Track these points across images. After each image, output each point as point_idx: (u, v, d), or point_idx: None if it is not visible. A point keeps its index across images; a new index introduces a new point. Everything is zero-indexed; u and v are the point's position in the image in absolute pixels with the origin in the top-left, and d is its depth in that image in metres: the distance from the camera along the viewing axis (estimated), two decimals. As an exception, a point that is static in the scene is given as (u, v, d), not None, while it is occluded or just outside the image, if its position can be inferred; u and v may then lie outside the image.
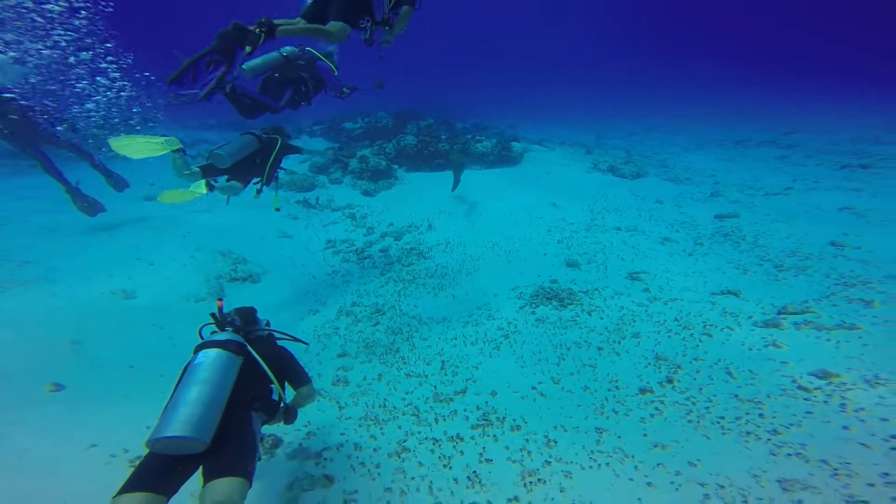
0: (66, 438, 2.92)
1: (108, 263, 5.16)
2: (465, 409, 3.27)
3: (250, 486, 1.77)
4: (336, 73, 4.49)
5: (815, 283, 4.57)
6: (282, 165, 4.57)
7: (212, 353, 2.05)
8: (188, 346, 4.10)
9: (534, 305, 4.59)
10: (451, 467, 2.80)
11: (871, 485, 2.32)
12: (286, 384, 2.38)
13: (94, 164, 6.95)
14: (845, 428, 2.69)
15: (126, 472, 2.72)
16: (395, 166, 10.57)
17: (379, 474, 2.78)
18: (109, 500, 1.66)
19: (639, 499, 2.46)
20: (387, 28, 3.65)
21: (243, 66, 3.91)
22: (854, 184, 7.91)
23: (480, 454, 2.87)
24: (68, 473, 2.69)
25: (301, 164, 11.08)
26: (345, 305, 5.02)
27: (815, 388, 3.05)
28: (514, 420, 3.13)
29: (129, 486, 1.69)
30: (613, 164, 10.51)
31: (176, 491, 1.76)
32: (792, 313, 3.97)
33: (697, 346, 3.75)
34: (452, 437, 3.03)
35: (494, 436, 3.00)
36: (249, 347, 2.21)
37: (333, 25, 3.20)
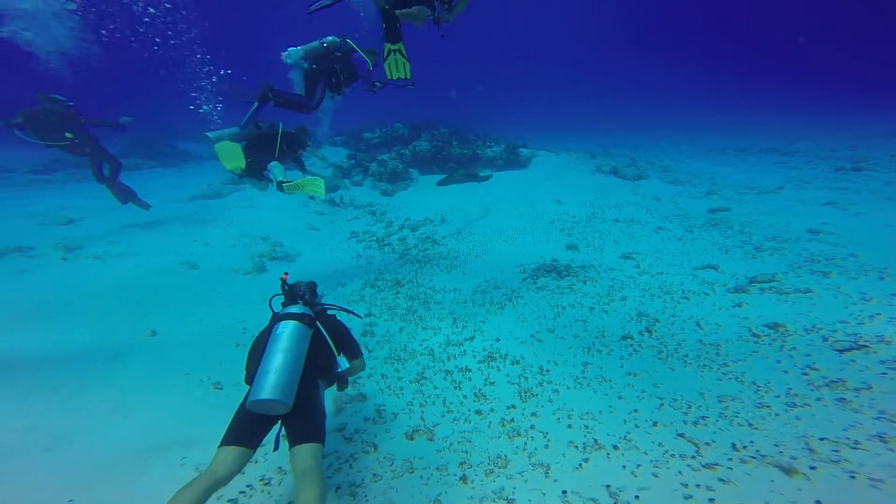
0: (165, 370, 3.69)
1: (172, 244, 6.11)
2: (472, 351, 3.91)
3: (324, 447, 2.12)
4: (370, 68, 4.58)
5: (786, 260, 5.11)
6: (305, 164, 4.89)
7: (290, 325, 2.26)
8: (240, 305, 4.91)
9: (535, 277, 5.23)
10: (461, 388, 3.43)
11: (778, 396, 2.92)
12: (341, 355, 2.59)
13: (113, 178, 7.07)
14: (778, 362, 3.27)
15: (212, 393, 3.49)
16: (411, 170, 11.43)
17: (402, 394, 3.43)
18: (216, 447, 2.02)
19: (610, 406, 3.05)
20: (446, 7, 3.75)
21: (283, 54, 4.23)
22: (842, 184, 8.38)
23: (485, 380, 3.50)
24: (174, 397, 3.44)
25: (325, 169, 12.05)
26: (369, 280, 5.74)
27: (764, 335, 3.62)
28: (514, 357, 3.75)
29: (227, 440, 2.02)
30: (616, 167, 11.15)
31: (258, 445, 2.08)
32: (760, 282, 4.52)
33: (675, 306, 4.33)
34: (462, 368, 3.66)
35: (497, 367, 3.63)
36: (317, 321, 2.46)
37: (419, 10, 3.50)
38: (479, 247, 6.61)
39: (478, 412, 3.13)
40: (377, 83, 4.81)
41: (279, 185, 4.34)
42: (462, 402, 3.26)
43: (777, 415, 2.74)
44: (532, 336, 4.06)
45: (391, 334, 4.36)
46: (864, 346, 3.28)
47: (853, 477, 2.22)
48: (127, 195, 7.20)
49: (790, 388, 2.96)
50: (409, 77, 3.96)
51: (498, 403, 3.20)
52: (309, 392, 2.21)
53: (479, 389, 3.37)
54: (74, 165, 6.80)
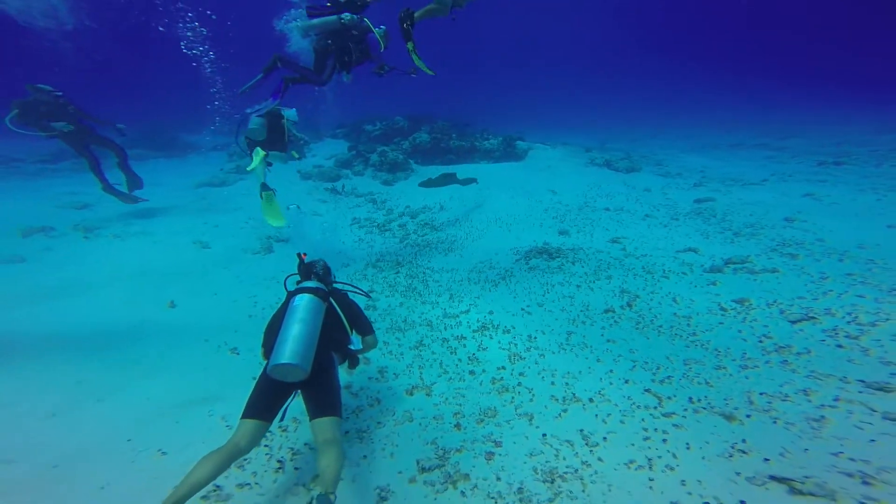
0: (186, 337, 4.03)
1: (185, 225, 6.46)
2: (467, 322, 4.26)
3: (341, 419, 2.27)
4: (382, 49, 4.47)
5: (761, 244, 5.48)
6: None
7: (306, 297, 2.39)
8: (250, 281, 5.23)
9: (528, 259, 5.57)
10: (456, 353, 3.78)
11: (734, 360, 3.30)
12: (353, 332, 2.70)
13: (124, 164, 7.25)
14: (739, 331, 3.65)
15: (230, 357, 3.80)
16: (411, 161, 11.70)
17: (403, 358, 3.78)
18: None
19: (589, 367, 3.42)
20: None
21: (297, 24, 4.20)
22: (822, 177, 8.74)
23: (478, 346, 3.85)
24: (196, 360, 3.78)
25: (327, 159, 12.30)
26: (370, 261, 6.07)
27: (731, 309, 3.99)
28: (505, 327, 4.10)
29: (246, 413, 2.17)
30: (609, 160, 11.46)
31: (274, 417, 2.22)
32: (734, 263, 4.88)
33: (655, 284, 4.68)
34: (457, 336, 4.02)
35: (490, 335, 3.99)
36: (331, 298, 2.58)
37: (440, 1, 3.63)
38: (476, 232, 6.94)
39: (471, 372, 3.49)
40: (385, 66, 4.72)
41: (262, 185, 4.78)
42: (457, 365, 3.61)
43: (731, 375, 3.12)
44: (522, 309, 4.41)
45: (392, 308, 4.70)
46: (813, 317, 3.66)
47: (775, 422, 2.63)
48: (135, 185, 7.31)
49: (745, 353, 3.34)
50: (432, 73, 4.13)
51: (489, 365, 3.56)
52: (325, 363, 2.32)
53: (473, 354, 3.73)
54: (76, 156, 6.73)
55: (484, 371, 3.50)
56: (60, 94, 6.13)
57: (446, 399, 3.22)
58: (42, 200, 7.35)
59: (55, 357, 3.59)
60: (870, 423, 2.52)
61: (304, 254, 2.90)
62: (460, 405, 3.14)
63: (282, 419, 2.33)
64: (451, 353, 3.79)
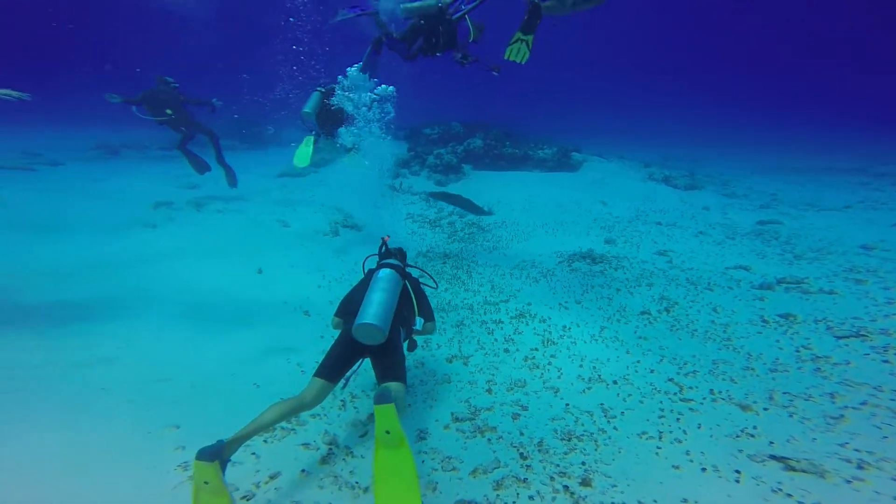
0: (271, 298, 4.88)
1: (270, 208, 7.60)
2: (506, 309, 4.65)
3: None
4: (471, 40, 4.45)
5: (823, 268, 5.24)
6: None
7: (389, 271, 2.65)
8: (320, 256, 6.02)
9: (570, 262, 5.83)
10: (493, 334, 4.19)
11: (764, 364, 3.33)
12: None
13: (219, 159, 7.76)
14: (777, 341, 3.66)
15: (303, 317, 4.47)
16: (464, 165, 12.31)
17: (445, 332, 4.26)
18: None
19: (617, 357, 3.66)
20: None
21: (403, 6, 4.30)
22: (920, 205, 7.91)
23: (514, 329, 4.23)
24: (278, 317, 4.58)
25: (388, 159, 13.32)
26: (421, 251, 6.68)
27: (774, 322, 3.98)
28: (541, 317, 4.44)
29: (318, 373, 2.37)
30: (669, 176, 11.19)
31: (339, 381, 2.43)
32: (787, 282, 4.77)
33: (698, 294, 4.74)
34: (496, 320, 4.42)
35: (526, 322, 4.35)
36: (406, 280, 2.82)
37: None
38: (521, 234, 7.29)
39: (506, 350, 3.88)
40: (469, 57, 4.67)
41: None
42: (493, 343, 4.02)
43: (758, 375, 3.21)
44: (560, 304, 4.71)
45: (437, 293, 5.23)
46: (864, 335, 3.57)
47: (791, 416, 2.72)
48: (204, 168, 7.77)
49: (777, 359, 3.38)
50: (524, 62, 3.99)
51: (523, 346, 3.93)
52: (394, 335, 2.51)
53: (509, 336, 4.12)
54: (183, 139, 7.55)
55: (518, 350, 3.87)
56: (177, 85, 6.78)
57: (481, 369, 3.64)
58: (164, 181, 9.04)
59: (177, 306, 4.54)
60: (890, 425, 2.54)
61: (388, 237, 3.21)
62: (493, 375, 3.54)
63: (344, 386, 2.59)
64: (489, 333, 4.21)
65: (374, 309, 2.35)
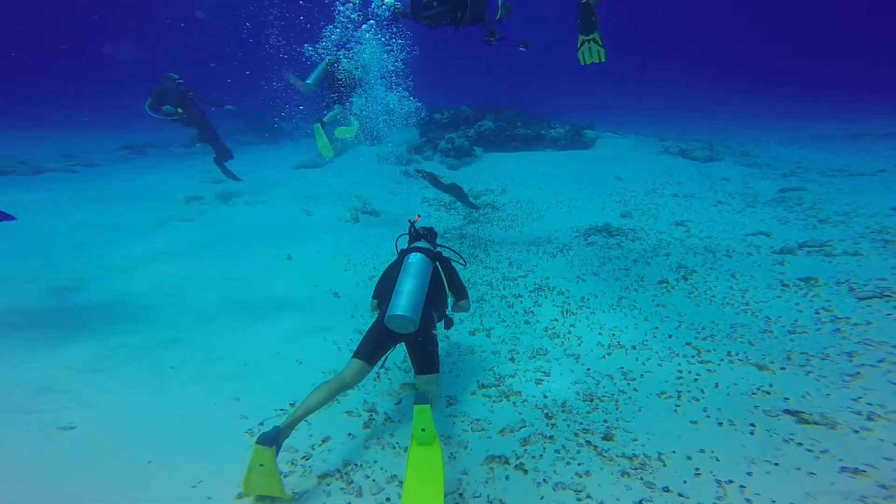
0: (301, 282, 5.14)
1: (294, 198, 7.92)
2: (525, 284, 4.79)
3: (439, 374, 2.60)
4: (498, 18, 4.37)
5: (849, 231, 5.16)
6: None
7: (419, 256, 2.63)
8: (343, 242, 6.26)
9: (587, 236, 5.89)
10: (513, 307, 4.35)
11: (783, 326, 3.41)
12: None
13: (218, 160, 7.62)
14: (797, 304, 3.70)
15: (333, 299, 4.68)
16: (476, 148, 12.28)
17: (467, 308, 4.45)
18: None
19: (636, 324, 3.77)
20: None
21: None
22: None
23: (534, 303, 4.38)
24: (310, 299, 4.84)
25: (400, 145, 13.39)
26: (438, 233, 6.83)
27: (794, 285, 4.00)
28: (560, 290, 4.57)
29: (357, 354, 2.48)
30: (686, 149, 10.92)
31: (376, 363, 2.54)
32: (810, 246, 4.73)
33: (715, 261, 4.77)
34: (515, 295, 4.58)
35: (545, 295, 4.48)
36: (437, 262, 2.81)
37: None
38: (536, 212, 7.35)
39: (526, 322, 4.04)
40: (495, 34, 4.57)
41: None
42: (514, 316, 4.19)
43: (776, 337, 3.28)
44: (578, 277, 4.82)
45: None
46: (888, 295, 3.56)
47: (807, 374, 2.80)
48: (226, 157, 7.77)
49: (796, 321, 3.44)
50: (603, 60, 3.93)
51: (543, 317, 4.08)
52: (428, 322, 2.57)
53: (529, 308, 4.27)
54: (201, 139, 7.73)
55: (538, 321, 4.03)
56: (182, 80, 6.69)
57: (503, 340, 3.82)
58: (190, 176, 9.44)
59: (217, 292, 4.85)
60: (909, 381, 2.61)
61: (418, 216, 3.25)
62: (515, 345, 3.72)
63: (382, 366, 2.72)
64: (509, 307, 4.37)
65: (405, 300, 2.39)
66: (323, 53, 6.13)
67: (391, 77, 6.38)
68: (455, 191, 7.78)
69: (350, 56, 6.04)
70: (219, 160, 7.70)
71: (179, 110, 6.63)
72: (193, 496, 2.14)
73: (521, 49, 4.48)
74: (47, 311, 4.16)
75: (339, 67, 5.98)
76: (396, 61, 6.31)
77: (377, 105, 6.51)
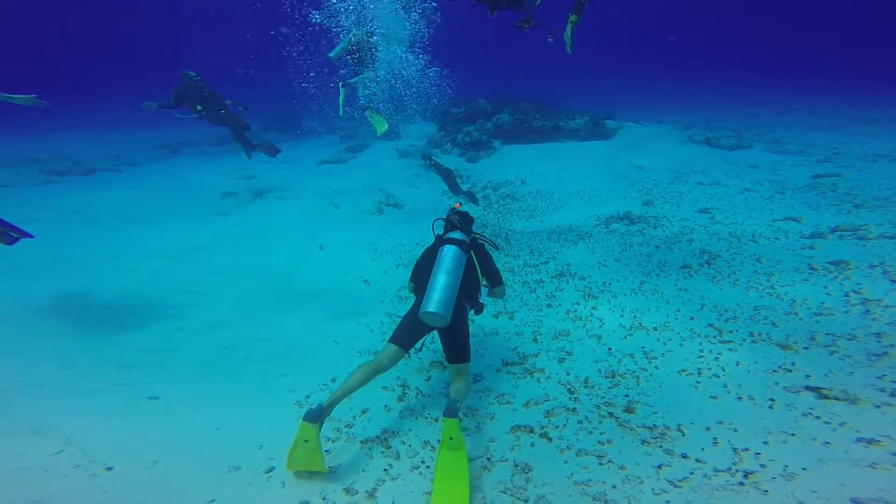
0: (334, 270, 5.42)
1: (322, 193, 8.33)
2: (546, 271, 4.91)
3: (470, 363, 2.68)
4: (538, 4, 4.36)
5: (888, 214, 5.01)
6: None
7: (452, 249, 2.65)
8: (369, 232, 6.52)
9: (608, 224, 5.93)
10: (535, 292, 4.48)
11: (809, 308, 3.36)
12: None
13: (240, 137, 7.22)
14: (825, 287, 3.67)
15: (363, 286, 4.90)
16: (494, 140, 12.31)
17: (490, 293, 4.61)
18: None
19: (658, 307, 3.84)
20: None
21: None
22: None
23: (556, 287, 4.49)
24: (342, 286, 5.12)
25: (419, 139, 13.58)
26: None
27: (823, 269, 3.96)
28: (581, 275, 4.66)
29: (393, 339, 2.61)
30: (711, 137, 10.61)
31: (411, 348, 2.66)
32: (842, 230, 4.63)
33: (741, 246, 4.74)
34: (537, 280, 4.70)
35: (567, 280, 4.59)
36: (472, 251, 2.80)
37: None
38: (557, 203, 7.40)
39: (548, 305, 4.17)
40: (531, 20, 4.51)
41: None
42: (536, 300, 4.32)
43: (801, 319, 3.29)
44: (599, 263, 4.90)
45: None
46: (923, 277, 3.50)
47: (832, 354, 2.82)
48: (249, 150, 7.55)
49: (823, 303, 3.42)
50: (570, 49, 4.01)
51: (565, 301, 4.19)
52: (460, 313, 2.63)
53: (551, 293, 4.39)
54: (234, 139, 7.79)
55: (560, 305, 4.15)
56: (199, 77, 6.58)
57: (526, 322, 3.96)
58: (224, 173, 9.95)
59: (257, 280, 5.18)
60: (936, 359, 2.60)
61: (459, 203, 3.26)
62: (538, 327, 3.85)
63: (419, 350, 2.87)
64: (531, 291, 4.50)
65: (438, 295, 2.45)
66: (337, 26, 5.99)
67: (415, 47, 6.31)
68: (447, 176, 7.76)
69: (372, 31, 5.90)
70: (240, 139, 7.37)
71: (199, 108, 6.60)
72: (260, 457, 2.40)
73: (549, 39, 4.44)
74: (117, 296, 4.60)
75: (364, 44, 5.77)
76: (419, 33, 6.24)
77: (399, 79, 6.49)
